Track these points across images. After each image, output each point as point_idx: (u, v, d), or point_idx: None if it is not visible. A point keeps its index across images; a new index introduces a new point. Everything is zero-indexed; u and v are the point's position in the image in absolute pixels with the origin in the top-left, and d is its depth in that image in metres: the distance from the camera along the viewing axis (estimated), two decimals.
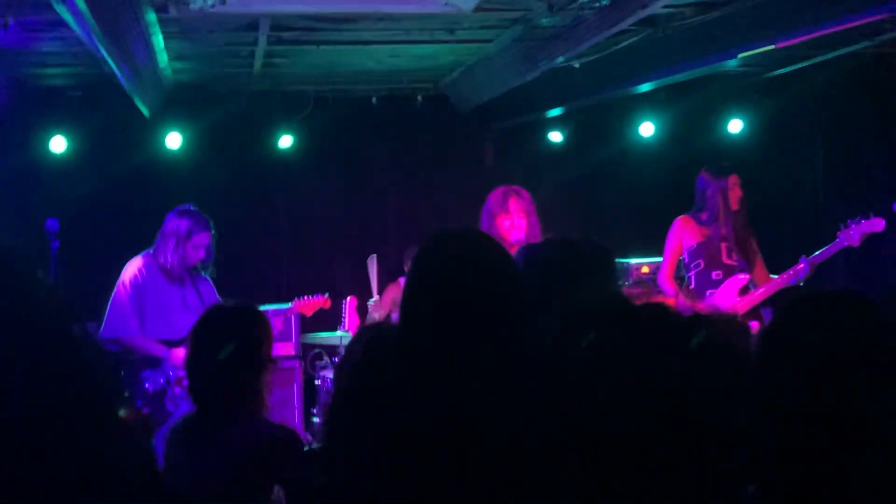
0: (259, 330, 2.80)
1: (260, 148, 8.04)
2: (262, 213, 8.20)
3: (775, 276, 5.77)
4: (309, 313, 6.17)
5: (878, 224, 5.59)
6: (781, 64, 7.21)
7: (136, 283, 5.25)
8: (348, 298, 6.23)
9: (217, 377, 2.68)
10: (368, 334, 2.36)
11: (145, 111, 7.06)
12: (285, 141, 8.06)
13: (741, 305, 5.74)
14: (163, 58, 6.21)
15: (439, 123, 8.39)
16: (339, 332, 6.52)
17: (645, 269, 7.22)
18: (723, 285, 5.78)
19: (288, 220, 8.29)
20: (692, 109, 8.27)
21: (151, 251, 5.35)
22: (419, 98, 8.21)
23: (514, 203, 5.34)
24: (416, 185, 8.55)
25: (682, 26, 5.69)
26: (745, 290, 5.79)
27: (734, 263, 5.80)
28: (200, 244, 5.26)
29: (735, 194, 5.76)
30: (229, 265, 5.97)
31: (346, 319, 6.17)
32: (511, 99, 7.33)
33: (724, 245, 5.80)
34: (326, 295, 6.17)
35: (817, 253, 5.63)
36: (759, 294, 5.76)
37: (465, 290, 1.95)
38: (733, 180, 5.77)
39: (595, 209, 8.57)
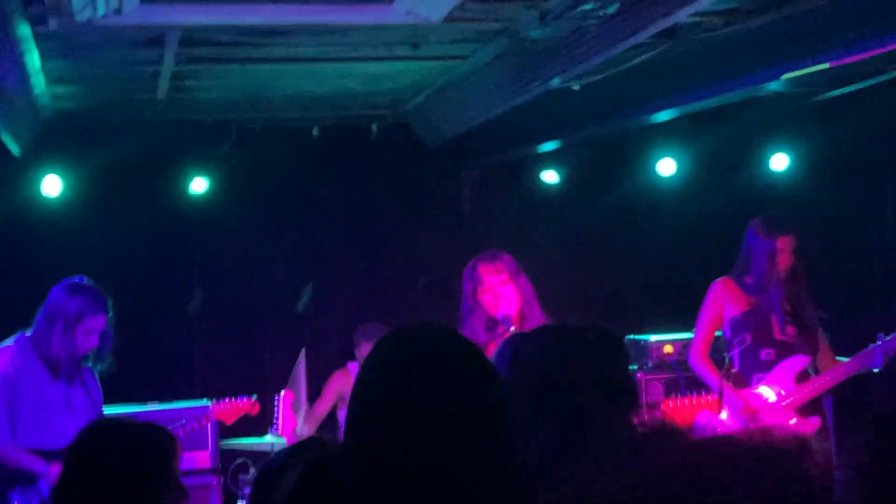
0: (162, 453, 2.74)
1: (165, 194, 8.02)
2: (167, 280, 8.12)
3: (843, 360, 5.79)
4: (230, 420, 6.12)
5: None
6: (837, 83, 7.30)
7: (5, 377, 5.18)
8: (282, 393, 6.16)
9: None
10: (297, 461, 2.30)
11: (15, 149, 7.01)
12: (199, 184, 8.04)
13: (799, 396, 5.74)
14: (39, 81, 6.20)
15: (400, 160, 8.44)
16: (269, 437, 6.43)
17: (668, 349, 7.21)
18: (776, 368, 5.78)
19: (202, 289, 8.22)
20: (723, 142, 8.34)
21: (28, 334, 5.26)
22: (374, 128, 8.25)
23: (484, 271, 5.39)
24: (372, 240, 8.54)
25: (709, 39, 5.75)
26: (803, 376, 5.80)
27: (790, 340, 5.83)
28: (93, 329, 5.22)
29: (784, 260, 5.80)
30: (124, 348, 5.90)
31: (280, 420, 6.11)
32: (493, 130, 7.37)
33: (775, 317, 5.84)
34: (254, 398, 6.12)
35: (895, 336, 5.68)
36: (823, 383, 5.78)
37: (432, 411, 1.93)
38: (784, 243, 5.82)
39: (600, 269, 8.60)
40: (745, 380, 5.86)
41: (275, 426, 6.18)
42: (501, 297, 5.33)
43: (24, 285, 7.52)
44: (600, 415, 2.32)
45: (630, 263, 8.53)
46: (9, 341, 5.33)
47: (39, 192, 7.69)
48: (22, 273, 7.55)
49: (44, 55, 5.62)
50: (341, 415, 7.68)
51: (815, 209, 8.31)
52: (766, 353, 5.82)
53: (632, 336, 7.17)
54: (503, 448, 1.91)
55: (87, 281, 5.37)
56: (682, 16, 4.77)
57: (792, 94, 7.59)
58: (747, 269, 5.89)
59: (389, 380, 1.96)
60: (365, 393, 1.98)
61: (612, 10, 5.10)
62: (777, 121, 8.35)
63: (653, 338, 7.30)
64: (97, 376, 5.44)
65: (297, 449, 2.70)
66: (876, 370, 5.74)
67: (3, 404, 5.13)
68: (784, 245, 5.81)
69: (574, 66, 5.74)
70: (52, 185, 7.69)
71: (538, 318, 5.22)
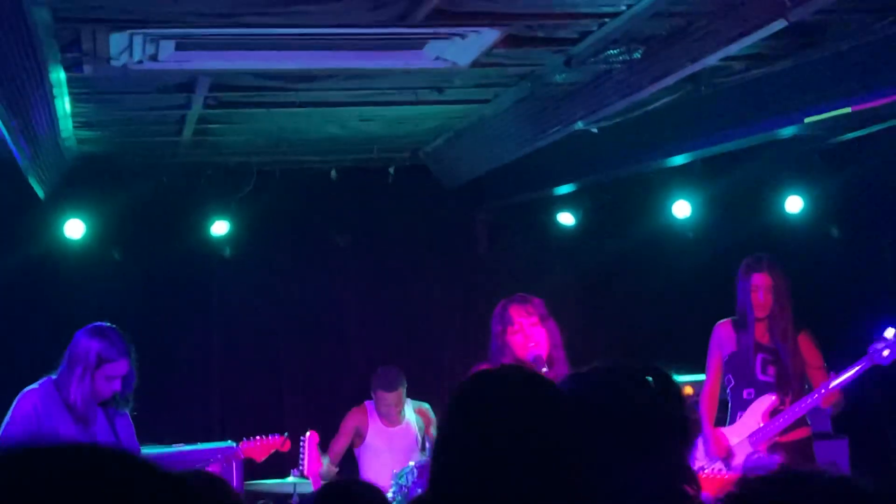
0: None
1: (187, 236, 8.06)
2: (188, 322, 8.14)
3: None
4: (260, 459, 6.09)
5: None
6: (853, 126, 7.34)
7: (28, 420, 5.15)
8: (308, 434, 6.16)
9: None
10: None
11: (40, 192, 7.06)
12: (220, 227, 8.06)
13: (769, 430, 5.93)
14: (67, 125, 6.26)
15: (418, 202, 8.47)
16: (291, 478, 6.43)
17: (688, 391, 7.21)
18: (749, 408, 5.99)
19: (223, 331, 8.24)
20: (738, 184, 8.37)
21: (54, 378, 5.28)
22: (391, 170, 8.28)
23: (515, 312, 5.44)
24: (388, 281, 8.56)
25: (730, 83, 5.82)
26: (775, 413, 5.97)
27: (770, 380, 5.98)
28: (114, 375, 5.21)
29: (759, 297, 5.94)
30: (146, 391, 5.92)
31: (305, 460, 6.10)
32: (510, 172, 7.42)
33: (760, 357, 5.99)
34: (285, 435, 6.11)
35: (842, 376, 5.81)
36: (780, 423, 5.93)
37: (516, 449, 1.98)
38: (759, 280, 5.97)
39: (615, 310, 8.61)
40: (732, 419, 6.12)
41: (301, 465, 6.17)
42: (531, 337, 5.36)
43: (45, 327, 7.57)
44: (672, 452, 2.35)
45: (645, 305, 8.53)
46: (35, 385, 5.32)
47: (62, 234, 7.72)
48: (43, 314, 7.58)
49: (74, 100, 5.69)
50: (358, 453, 7.67)
51: (828, 251, 8.34)
52: (747, 393, 6.03)
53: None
54: (586, 485, 1.97)
55: (109, 326, 5.36)
56: (711, 61, 4.82)
57: (806, 137, 7.63)
58: (736, 309, 6.10)
59: (475, 421, 2.03)
60: (452, 436, 2.05)
61: (637, 55, 5.17)
62: (791, 164, 8.38)
63: None
64: (129, 419, 5.41)
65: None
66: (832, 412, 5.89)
67: None
68: (759, 282, 5.95)
69: (596, 111, 5.81)
70: (74, 228, 7.71)
71: (563, 364, 5.26)
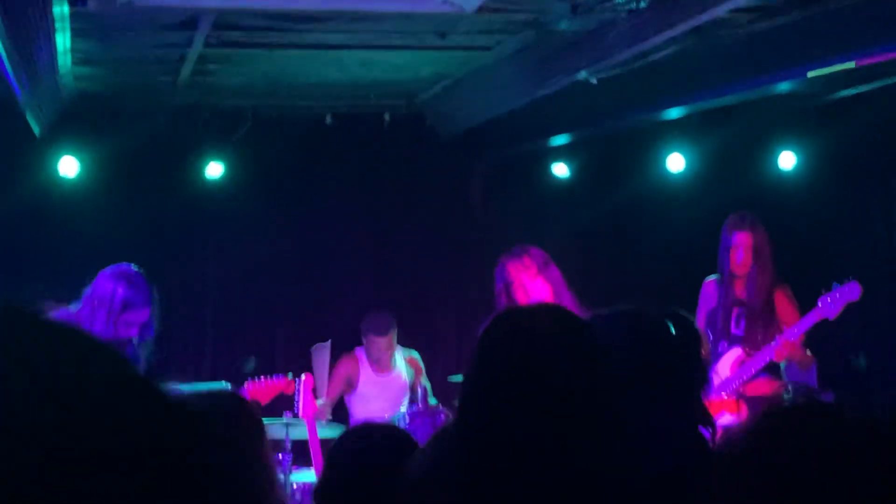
0: (256, 428, 2.70)
1: (182, 178, 8.01)
2: (181, 263, 8.11)
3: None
4: (265, 400, 6.07)
5: (853, 291, 5.91)
6: (847, 84, 7.34)
7: None
8: (303, 376, 6.16)
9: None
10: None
11: (36, 129, 7.00)
12: (214, 169, 8.02)
13: (735, 381, 6.00)
14: (65, 61, 6.19)
15: (412, 150, 8.44)
16: (285, 419, 6.43)
17: None
18: (720, 360, 6.06)
19: (216, 272, 8.21)
20: (732, 139, 8.38)
21: (73, 310, 5.22)
22: (386, 117, 8.24)
23: (513, 268, 5.45)
24: (381, 228, 8.55)
25: (734, 36, 5.80)
26: (742, 363, 6.05)
27: (740, 333, 6.07)
28: (135, 322, 5.19)
29: (738, 256, 5.98)
30: None
31: (301, 402, 6.10)
32: (506, 123, 7.39)
33: (735, 311, 6.08)
34: (290, 376, 6.10)
35: (792, 328, 5.89)
36: (743, 373, 6.00)
37: (543, 388, 1.98)
38: (739, 239, 6.03)
39: (609, 263, 8.62)
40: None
41: (296, 408, 6.17)
42: (531, 292, 5.35)
43: (38, 264, 7.56)
44: (691, 394, 2.37)
45: (638, 258, 8.55)
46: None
47: (57, 172, 7.67)
48: (37, 251, 7.56)
49: (74, 35, 5.62)
50: (349, 400, 7.69)
51: (820, 207, 8.37)
52: (721, 346, 6.10)
53: None
54: (615, 425, 1.97)
55: (135, 271, 5.30)
56: (718, 12, 4.80)
57: (803, 93, 7.63)
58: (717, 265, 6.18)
59: (503, 359, 2.01)
60: (479, 374, 2.03)
61: (643, 4, 5.14)
62: (785, 119, 8.39)
63: None
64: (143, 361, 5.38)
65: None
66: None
67: None
68: (740, 241, 6.00)
69: (600, 60, 5.78)
70: (69, 166, 7.66)
71: (572, 304, 5.25)
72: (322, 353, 6.27)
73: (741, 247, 5.99)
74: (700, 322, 6.18)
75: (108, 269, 5.24)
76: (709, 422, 2.49)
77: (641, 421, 2.21)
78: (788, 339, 5.86)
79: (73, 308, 5.22)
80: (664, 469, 2.24)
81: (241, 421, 2.58)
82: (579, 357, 2.02)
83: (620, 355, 2.40)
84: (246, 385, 5.95)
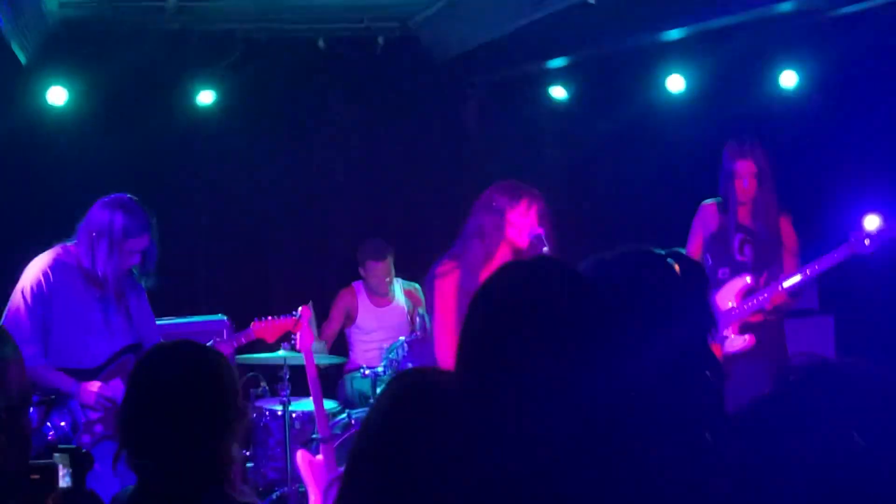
0: (228, 374, 2.66)
1: (172, 105, 7.89)
2: (172, 192, 8.01)
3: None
4: (272, 339, 6.01)
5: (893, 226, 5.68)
6: (848, 1, 7.22)
7: (39, 292, 5.00)
8: (301, 308, 6.09)
9: (170, 441, 2.53)
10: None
11: (22, 57, 6.87)
12: (205, 97, 7.92)
13: (737, 312, 5.85)
14: None
15: (407, 74, 8.32)
16: (282, 352, 6.39)
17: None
18: (723, 287, 5.91)
19: (208, 202, 8.14)
20: (733, 59, 8.24)
21: (70, 245, 5.12)
22: (380, 41, 8.10)
23: (537, 211, 5.22)
24: (375, 154, 8.46)
25: None
26: (748, 294, 5.90)
27: (747, 261, 5.93)
28: (135, 249, 5.09)
29: (741, 183, 5.87)
30: None
31: (298, 334, 6.05)
32: (501, 46, 7.29)
33: (738, 237, 5.95)
34: (296, 315, 6.02)
35: (820, 264, 5.70)
36: (751, 306, 5.85)
37: (540, 332, 1.99)
38: (742, 168, 5.87)
39: (608, 187, 8.56)
40: None
41: (292, 340, 6.12)
42: (523, 228, 5.17)
43: (26, 193, 7.47)
44: (697, 337, 2.32)
45: (637, 180, 8.47)
46: (46, 254, 5.13)
47: (45, 101, 7.57)
48: (25, 181, 7.47)
49: None
50: (349, 333, 7.65)
51: (822, 127, 8.27)
52: (722, 273, 5.95)
53: None
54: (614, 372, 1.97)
55: (130, 198, 5.19)
56: None
57: (803, 11, 7.50)
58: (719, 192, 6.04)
59: (500, 307, 2.02)
60: (478, 319, 2.04)
61: None
62: (786, 37, 8.26)
63: None
64: (145, 294, 5.31)
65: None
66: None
67: (37, 321, 4.97)
68: (742, 169, 5.86)
69: None
70: (57, 95, 7.56)
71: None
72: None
73: (745, 176, 5.86)
74: (695, 246, 6.10)
75: (102, 200, 5.14)
76: (714, 365, 2.42)
77: (643, 364, 2.16)
78: (810, 275, 5.72)
79: (71, 242, 5.12)
80: (674, 417, 2.22)
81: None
82: (585, 307, 2.04)
83: (620, 299, 2.35)
84: (252, 324, 5.89)
